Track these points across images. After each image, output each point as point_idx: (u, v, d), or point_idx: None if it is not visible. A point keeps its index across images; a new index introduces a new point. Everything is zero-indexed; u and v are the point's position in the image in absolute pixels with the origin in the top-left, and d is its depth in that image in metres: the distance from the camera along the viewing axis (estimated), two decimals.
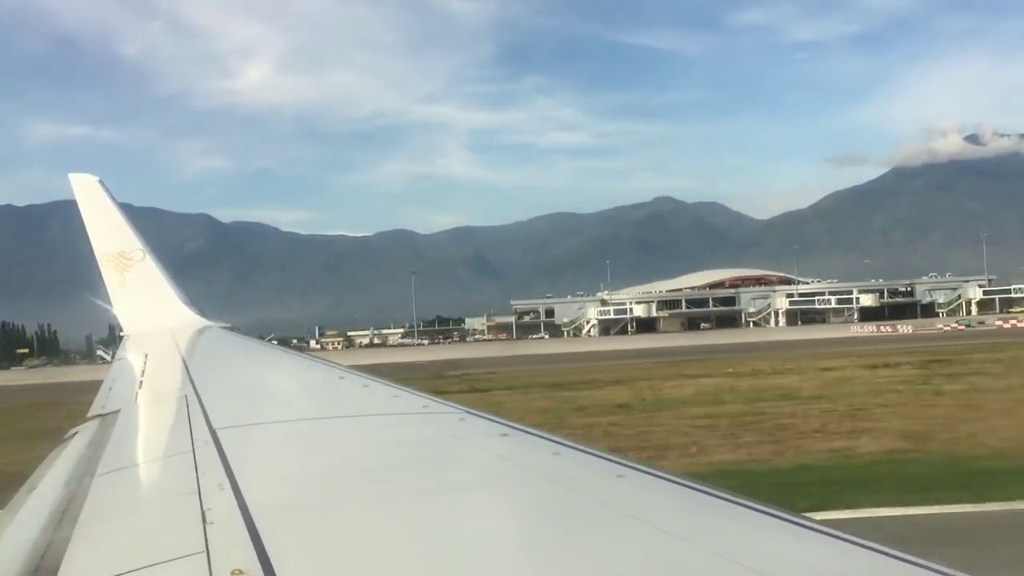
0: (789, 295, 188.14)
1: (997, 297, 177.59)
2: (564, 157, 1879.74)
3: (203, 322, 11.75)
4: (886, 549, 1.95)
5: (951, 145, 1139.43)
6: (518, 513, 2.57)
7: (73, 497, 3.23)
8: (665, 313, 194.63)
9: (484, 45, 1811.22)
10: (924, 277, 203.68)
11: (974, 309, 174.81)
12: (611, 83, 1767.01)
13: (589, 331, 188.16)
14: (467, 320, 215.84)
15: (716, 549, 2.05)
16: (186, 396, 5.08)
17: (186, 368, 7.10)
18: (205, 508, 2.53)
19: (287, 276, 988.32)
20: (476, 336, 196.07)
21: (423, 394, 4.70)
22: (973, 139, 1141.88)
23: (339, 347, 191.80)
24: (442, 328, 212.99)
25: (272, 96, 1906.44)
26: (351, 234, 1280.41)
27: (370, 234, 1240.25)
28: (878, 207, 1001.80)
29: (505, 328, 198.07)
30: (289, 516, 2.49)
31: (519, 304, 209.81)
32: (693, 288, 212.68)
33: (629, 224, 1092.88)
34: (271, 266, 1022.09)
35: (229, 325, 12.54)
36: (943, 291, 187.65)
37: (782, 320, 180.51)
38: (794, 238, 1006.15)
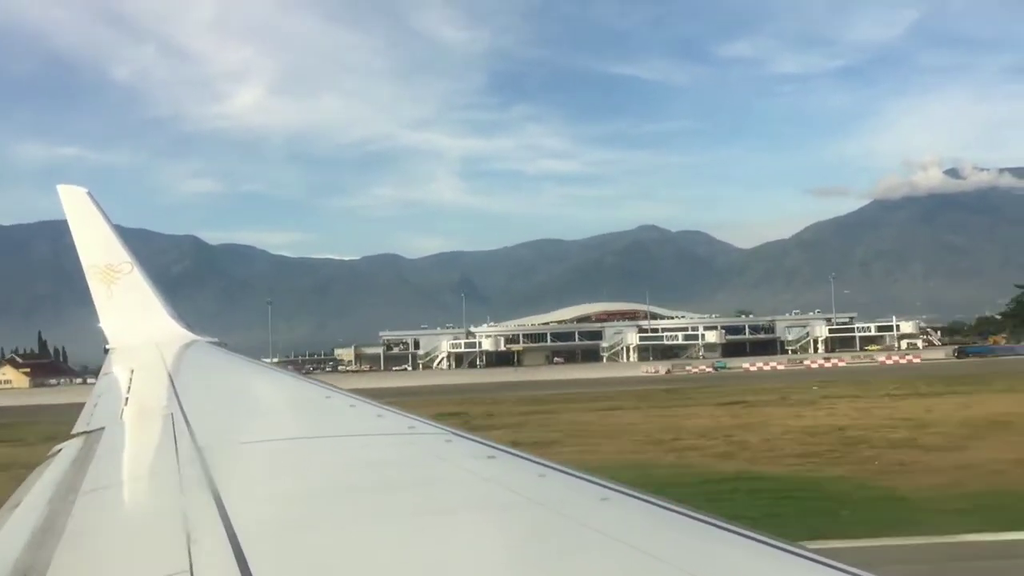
0: (641, 330, 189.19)
1: (860, 335, 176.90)
2: (551, 184, 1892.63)
3: (190, 336, 11.65)
4: None
5: (931, 179, 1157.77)
6: (503, 536, 2.57)
7: (56, 515, 3.20)
8: (519, 346, 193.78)
9: (474, 73, 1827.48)
10: (792, 312, 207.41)
11: (820, 347, 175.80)
12: (599, 112, 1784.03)
13: (440, 363, 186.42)
14: (336, 351, 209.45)
15: (699, 574, 2.04)
16: (172, 413, 5.06)
17: (172, 384, 7.15)
18: (190, 527, 2.51)
19: (273, 298, 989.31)
20: (345, 367, 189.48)
21: (409, 415, 4.70)
22: (953, 173, 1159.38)
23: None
24: (314, 359, 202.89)
25: (263, 120, 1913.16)
26: (339, 258, 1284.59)
27: (357, 258, 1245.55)
28: (859, 238, 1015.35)
29: (373, 359, 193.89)
30: (274, 536, 2.48)
31: (388, 335, 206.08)
32: (561, 322, 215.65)
33: (613, 252, 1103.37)
34: (257, 288, 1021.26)
35: (217, 340, 12.34)
36: (797, 328, 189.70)
37: (633, 355, 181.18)
38: (776, 268, 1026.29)
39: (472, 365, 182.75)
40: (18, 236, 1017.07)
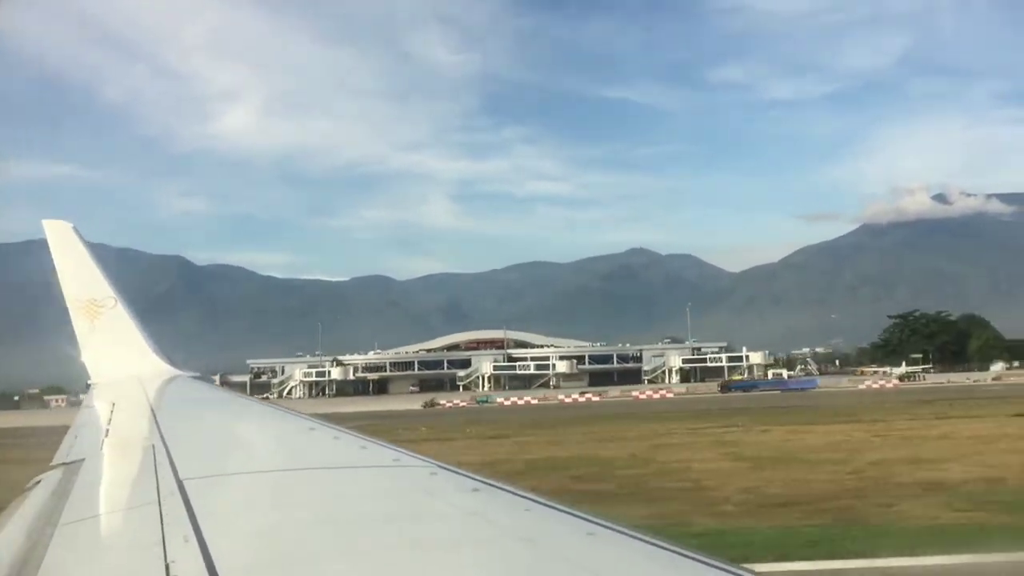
0: (495, 360, 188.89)
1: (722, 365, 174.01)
2: (542, 207, 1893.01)
3: (172, 371, 11.63)
4: None
5: (919, 204, 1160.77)
6: (488, 572, 2.53)
7: (35, 547, 3.17)
8: (376, 375, 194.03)
9: (466, 95, 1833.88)
10: (661, 342, 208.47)
11: (675, 377, 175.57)
12: (592, 135, 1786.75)
13: (291, 392, 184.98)
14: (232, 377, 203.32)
15: None
16: (153, 446, 4.97)
17: (154, 417, 7.04)
18: (169, 561, 2.49)
19: (257, 319, 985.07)
20: None
21: (393, 447, 4.67)
22: (940, 198, 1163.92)
23: None
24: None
25: (253, 140, 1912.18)
26: (328, 279, 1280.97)
27: (347, 279, 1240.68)
28: (847, 263, 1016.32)
29: (240, 387, 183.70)
30: (254, 570, 2.47)
31: (255, 363, 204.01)
32: (431, 350, 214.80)
33: (600, 275, 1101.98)
34: (242, 309, 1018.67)
35: (198, 374, 12.46)
36: (657, 358, 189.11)
37: (488, 385, 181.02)
38: (763, 292, 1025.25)
39: (322, 394, 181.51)
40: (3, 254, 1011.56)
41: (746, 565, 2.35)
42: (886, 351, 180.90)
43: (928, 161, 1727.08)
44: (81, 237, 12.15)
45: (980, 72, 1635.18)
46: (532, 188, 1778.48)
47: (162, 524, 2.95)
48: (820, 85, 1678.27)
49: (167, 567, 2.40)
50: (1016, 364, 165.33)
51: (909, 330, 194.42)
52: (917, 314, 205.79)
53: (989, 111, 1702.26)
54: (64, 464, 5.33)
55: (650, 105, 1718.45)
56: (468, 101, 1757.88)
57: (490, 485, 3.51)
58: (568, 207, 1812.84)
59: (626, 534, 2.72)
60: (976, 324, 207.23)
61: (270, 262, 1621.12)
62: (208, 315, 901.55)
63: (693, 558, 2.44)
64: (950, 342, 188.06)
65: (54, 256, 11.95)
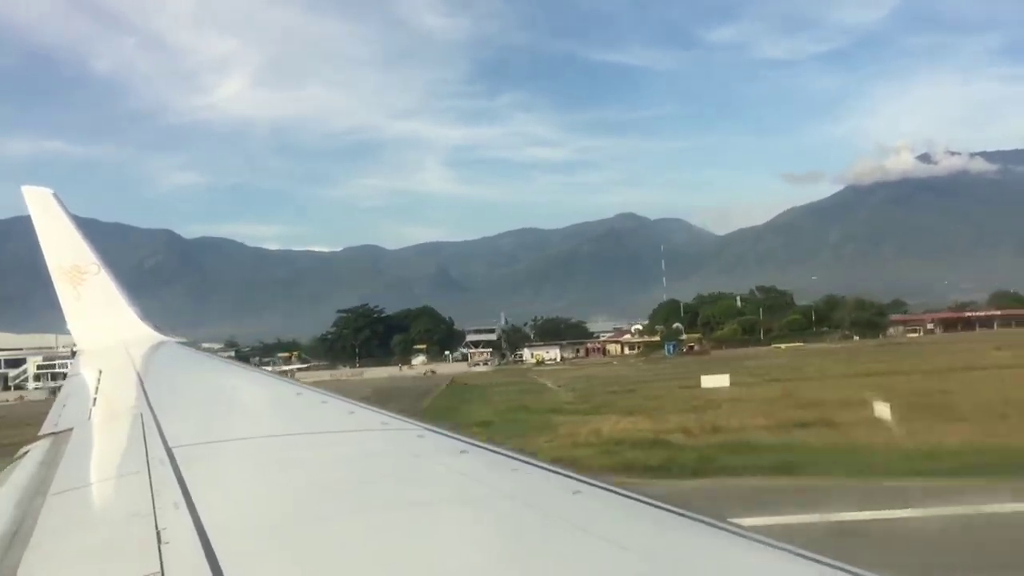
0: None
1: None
2: (535, 172, 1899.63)
3: (159, 337, 11.58)
4: (851, 568, 1.97)
5: (903, 163, 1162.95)
6: (476, 530, 2.58)
7: (24, 518, 3.17)
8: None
9: (459, 62, 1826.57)
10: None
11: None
12: (584, 100, 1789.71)
13: (24, 383, 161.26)
14: None
15: (670, 565, 2.08)
16: (141, 414, 4.95)
17: (141, 384, 7.03)
18: (160, 528, 2.50)
19: (244, 291, 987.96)
20: None
21: (381, 410, 4.69)
22: (925, 158, 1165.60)
23: None
24: None
25: (245, 111, 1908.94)
26: (320, 250, 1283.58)
27: (339, 249, 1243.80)
28: (833, 223, 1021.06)
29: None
30: (246, 535, 2.47)
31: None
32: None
33: (590, 240, 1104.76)
34: (230, 282, 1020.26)
35: (184, 340, 12.35)
36: None
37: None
38: (748, 253, 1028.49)
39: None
40: None
41: (730, 520, 2.40)
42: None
43: (914, 121, 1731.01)
44: (62, 204, 11.87)
45: (967, 28, 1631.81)
46: (527, 153, 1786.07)
47: (152, 492, 2.98)
48: (810, 44, 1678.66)
49: (158, 534, 2.44)
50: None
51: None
52: None
53: (976, 68, 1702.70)
54: (53, 434, 5.33)
55: (641, 67, 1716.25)
56: (461, 67, 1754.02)
57: (478, 447, 3.56)
58: (560, 172, 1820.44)
59: (612, 491, 2.80)
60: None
61: (263, 234, 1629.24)
62: (195, 288, 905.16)
63: (678, 513, 2.48)
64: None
65: (36, 223, 11.73)
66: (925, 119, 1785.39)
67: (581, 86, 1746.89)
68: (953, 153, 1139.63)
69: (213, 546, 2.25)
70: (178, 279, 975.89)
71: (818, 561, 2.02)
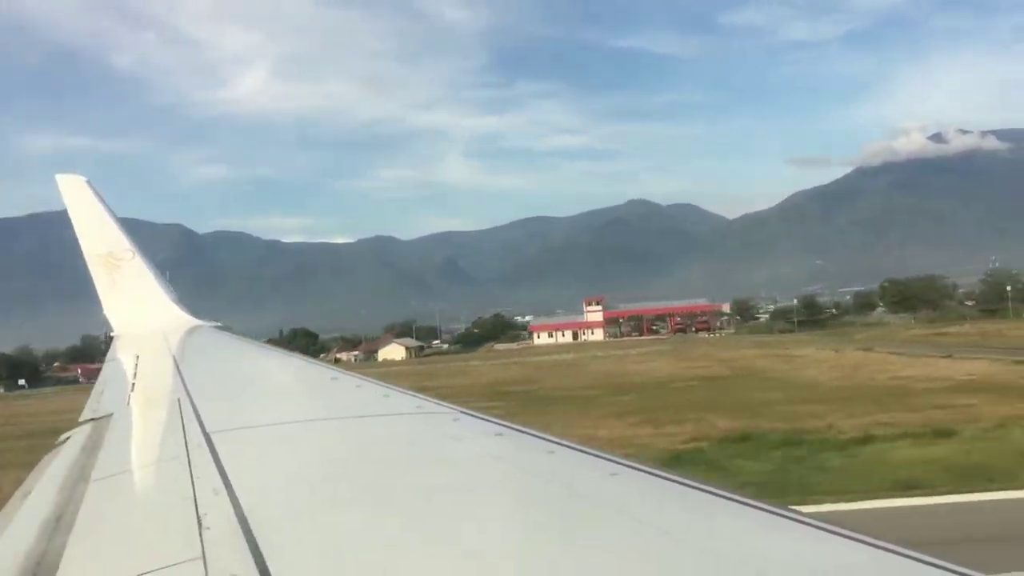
0: None
1: None
2: (548, 161, 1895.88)
3: (194, 321, 11.64)
4: (887, 545, 1.97)
5: (914, 143, 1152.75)
6: (515, 513, 2.58)
7: (68, 503, 3.22)
8: None
9: (478, 52, 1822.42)
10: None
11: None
12: (596, 88, 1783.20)
13: None
14: None
15: (712, 547, 2.06)
16: (179, 399, 5.00)
17: (178, 370, 7.09)
18: (201, 513, 2.52)
19: (252, 285, 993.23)
20: None
21: (416, 394, 4.72)
22: (937, 138, 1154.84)
23: None
24: None
25: (264, 105, 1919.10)
26: (335, 241, 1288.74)
27: (353, 240, 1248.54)
28: (840, 207, 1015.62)
29: None
30: (285, 520, 2.49)
31: None
32: None
33: (599, 228, 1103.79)
34: (238, 275, 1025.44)
35: (220, 324, 12.32)
36: None
37: None
38: (755, 238, 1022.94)
39: None
40: (3, 229, 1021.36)
41: (772, 501, 2.37)
42: None
43: (925, 101, 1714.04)
44: (95, 190, 11.93)
45: (974, 10, 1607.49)
46: (542, 142, 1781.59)
47: (192, 477, 3.00)
48: (826, 27, 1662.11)
49: (199, 519, 2.46)
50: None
51: None
52: None
53: (989, 47, 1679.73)
54: (93, 420, 5.39)
55: (657, 53, 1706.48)
56: (480, 57, 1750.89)
57: (513, 429, 3.56)
58: (576, 159, 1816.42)
59: (649, 473, 2.76)
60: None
61: (281, 226, 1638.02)
62: (202, 281, 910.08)
63: (718, 495, 2.47)
64: None
65: (70, 211, 11.75)
66: (937, 99, 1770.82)
67: (596, 74, 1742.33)
68: (964, 132, 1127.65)
69: (253, 531, 2.26)
70: (186, 272, 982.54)
71: (863, 542, 2.00)
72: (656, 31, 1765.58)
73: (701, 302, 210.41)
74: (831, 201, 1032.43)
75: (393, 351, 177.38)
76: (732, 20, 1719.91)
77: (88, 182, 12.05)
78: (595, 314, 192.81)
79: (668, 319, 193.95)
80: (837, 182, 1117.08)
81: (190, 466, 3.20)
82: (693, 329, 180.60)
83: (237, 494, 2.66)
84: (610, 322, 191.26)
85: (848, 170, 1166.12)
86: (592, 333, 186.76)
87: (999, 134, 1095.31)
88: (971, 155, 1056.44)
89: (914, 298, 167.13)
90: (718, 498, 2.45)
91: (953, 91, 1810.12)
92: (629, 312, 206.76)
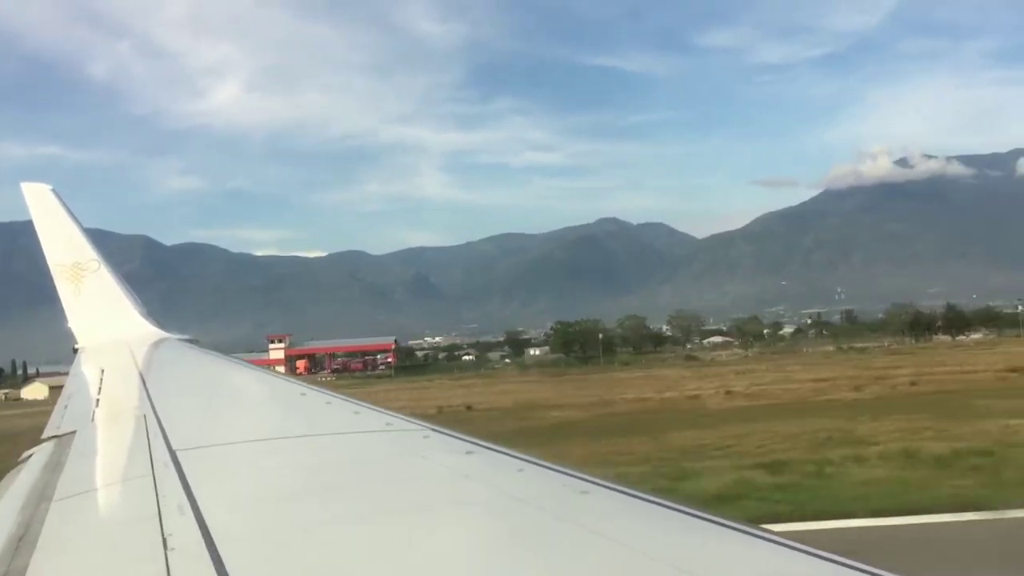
0: None
1: None
2: (523, 177, 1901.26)
3: (160, 334, 11.35)
4: (858, 564, 1.95)
5: (880, 168, 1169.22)
6: (484, 532, 2.58)
7: (30, 524, 3.12)
8: None
9: (454, 67, 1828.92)
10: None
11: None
12: (571, 105, 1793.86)
13: None
14: None
15: (682, 565, 2.05)
16: (144, 415, 4.90)
17: (144, 384, 6.98)
18: (166, 533, 2.47)
19: (217, 298, 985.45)
20: None
21: (386, 411, 4.62)
22: (902, 162, 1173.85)
23: None
24: None
25: (239, 116, 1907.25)
26: (306, 255, 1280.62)
27: (324, 255, 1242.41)
28: (806, 228, 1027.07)
29: None
30: (252, 539, 2.47)
31: None
32: None
33: (569, 245, 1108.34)
34: (203, 288, 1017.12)
35: (187, 337, 11.93)
36: None
37: None
38: (721, 259, 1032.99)
39: None
40: None
41: (741, 520, 2.36)
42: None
43: (893, 125, 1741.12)
44: (61, 199, 11.79)
45: (950, 33, 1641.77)
46: (522, 159, 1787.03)
47: (157, 496, 2.96)
48: (800, 48, 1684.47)
49: (164, 540, 2.41)
50: None
51: None
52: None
53: (952, 72, 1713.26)
54: (56, 437, 5.29)
55: (627, 71, 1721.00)
56: (456, 72, 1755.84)
57: (484, 447, 3.52)
58: (550, 177, 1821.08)
59: (620, 491, 2.75)
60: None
61: (254, 239, 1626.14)
62: (166, 294, 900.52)
63: (688, 513, 2.47)
64: None
65: (35, 220, 11.61)
66: (904, 124, 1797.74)
67: (571, 91, 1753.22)
68: (930, 157, 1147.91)
69: (220, 551, 2.22)
70: (150, 285, 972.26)
71: (831, 560, 2.00)
72: (630, 50, 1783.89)
73: (381, 341, 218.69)
74: (798, 223, 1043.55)
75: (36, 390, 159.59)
76: (705, 41, 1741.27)
77: (53, 191, 11.93)
78: (277, 351, 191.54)
79: (330, 358, 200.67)
80: (804, 204, 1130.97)
81: (155, 485, 3.15)
82: (373, 367, 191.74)
83: (203, 514, 2.61)
84: (290, 360, 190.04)
85: (816, 192, 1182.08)
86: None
87: (963, 160, 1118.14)
88: (935, 180, 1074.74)
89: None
90: (689, 516, 2.45)
91: (920, 116, 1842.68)
92: (312, 350, 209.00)
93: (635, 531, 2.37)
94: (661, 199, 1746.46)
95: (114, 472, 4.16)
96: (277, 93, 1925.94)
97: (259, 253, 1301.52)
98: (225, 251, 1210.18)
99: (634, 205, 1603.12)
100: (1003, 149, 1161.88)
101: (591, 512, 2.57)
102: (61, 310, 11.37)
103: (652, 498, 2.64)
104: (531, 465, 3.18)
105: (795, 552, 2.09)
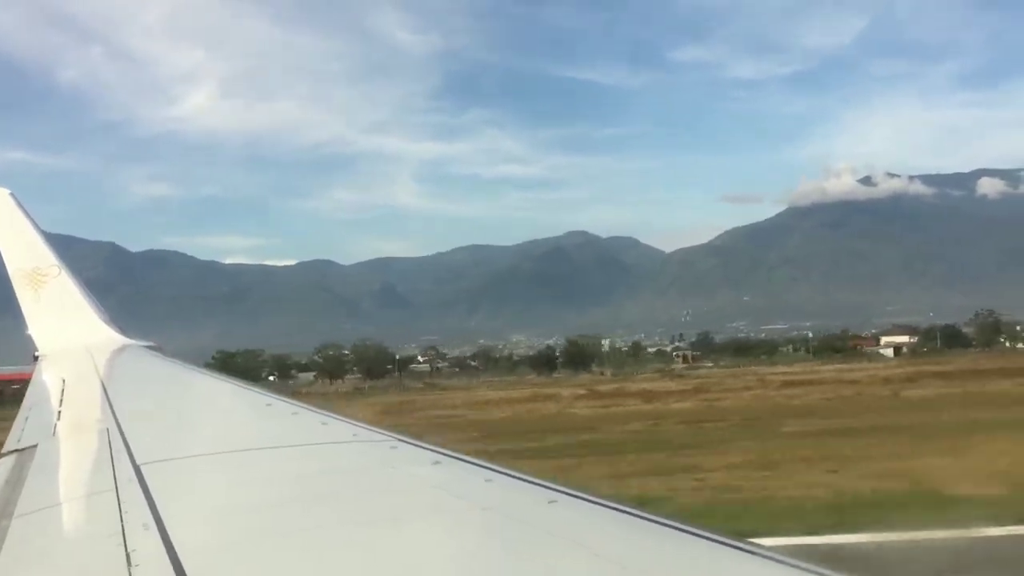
0: None
1: None
2: (495, 189, 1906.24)
3: (122, 340, 11.12)
4: (831, 574, 1.95)
5: (844, 185, 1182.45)
6: (452, 542, 2.57)
7: None
8: None
9: (429, 77, 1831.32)
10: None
11: None
12: (543, 117, 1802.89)
13: None
14: None
15: (650, 573, 2.07)
16: (107, 428, 4.78)
17: (106, 395, 6.71)
18: (130, 549, 2.43)
19: (180, 306, 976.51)
20: None
21: (353, 421, 4.62)
22: (866, 180, 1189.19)
23: None
24: None
25: (210, 123, 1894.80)
26: (275, 264, 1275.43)
27: (293, 263, 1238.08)
28: (771, 245, 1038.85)
29: None
30: (217, 554, 2.43)
31: None
32: None
33: (537, 257, 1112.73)
34: (166, 296, 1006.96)
35: (150, 343, 11.65)
36: None
37: None
38: (686, 274, 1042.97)
39: None
40: None
41: (710, 529, 2.36)
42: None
43: (859, 143, 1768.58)
44: (20, 204, 11.63)
45: (905, 56, 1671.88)
46: (494, 170, 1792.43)
47: (121, 512, 2.90)
48: (771, 66, 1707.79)
49: (128, 556, 2.37)
50: None
51: None
52: None
53: (917, 93, 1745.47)
54: (17, 451, 5.12)
55: (611, 86, 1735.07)
56: (429, 82, 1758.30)
57: (451, 457, 3.54)
58: (522, 189, 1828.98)
59: (588, 500, 2.77)
60: None
61: (223, 246, 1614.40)
62: (128, 301, 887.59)
63: (656, 522, 2.47)
64: None
65: None
66: (869, 142, 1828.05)
67: (545, 104, 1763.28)
68: (892, 175, 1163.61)
69: (185, 568, 2.20)
70: (112, 292, 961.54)
71: (805, 570, 1.99)
72: (604, 63, 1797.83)
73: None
74: (762, 239, 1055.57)
75: None
76: (678, 56, 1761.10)
77: (12, 195, 11.79)
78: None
79: None
80: (770, 220, 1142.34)
81: (119, 500, 3.08)
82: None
83: (168, 529, 2.58)
84: None
85: (781, 208, 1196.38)
86: None
87: (925, 179, 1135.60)
88: (897, 198, 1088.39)
89: None
90: (657, 525, 2.45)
91: (885, 135, 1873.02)
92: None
93: (603, 540, 2.37)
94: (631, 213, 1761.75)
95: (77, 487, 4.07)
96: (250, 100, 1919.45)
97: (228, 261, 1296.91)
98: (192, 258, 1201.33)
99: (604, 218, 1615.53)
100: (965, 169, 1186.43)
101: (559, 521, 2.58)
102: (21, 317, 11.26)
103: (620, 507, 2.65)
104: (499, 475, 3.18)
105: (770, 563, 2.09)
